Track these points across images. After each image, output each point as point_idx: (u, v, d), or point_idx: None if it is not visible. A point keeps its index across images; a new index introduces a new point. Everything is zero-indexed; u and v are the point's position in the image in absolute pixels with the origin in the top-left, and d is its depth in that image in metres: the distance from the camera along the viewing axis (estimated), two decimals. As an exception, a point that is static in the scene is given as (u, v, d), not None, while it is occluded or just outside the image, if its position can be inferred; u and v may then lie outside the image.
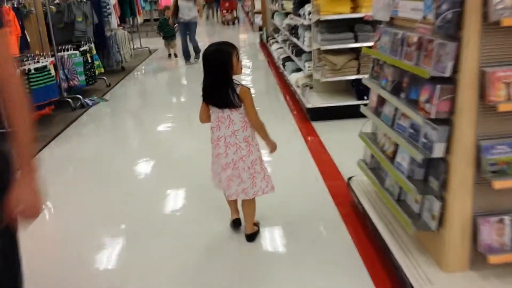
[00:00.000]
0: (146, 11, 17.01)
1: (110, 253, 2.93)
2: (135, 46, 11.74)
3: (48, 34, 6.26)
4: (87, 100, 6.61)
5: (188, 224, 3.23)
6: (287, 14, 8.28)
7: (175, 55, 10.63)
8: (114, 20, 8.91)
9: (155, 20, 17.24)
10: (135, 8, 11.37)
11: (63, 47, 6.63)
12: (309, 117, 5.30)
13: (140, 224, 3.27)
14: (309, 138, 4.85)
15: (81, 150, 5.02)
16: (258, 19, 15.36)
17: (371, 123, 2.97)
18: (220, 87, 2.58)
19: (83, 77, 6.79)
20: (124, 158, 4.69)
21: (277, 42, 9.51)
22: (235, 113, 2.62)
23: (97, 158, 4.75)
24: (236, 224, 2.98)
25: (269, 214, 3.16)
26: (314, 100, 5.35)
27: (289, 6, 7.80)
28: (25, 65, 5.40)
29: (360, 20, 5.19)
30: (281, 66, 7.69)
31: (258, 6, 15.09)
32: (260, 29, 14.99)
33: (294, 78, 6.25)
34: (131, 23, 12.16)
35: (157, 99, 7.33)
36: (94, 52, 7.42)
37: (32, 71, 5.40)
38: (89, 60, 7.10)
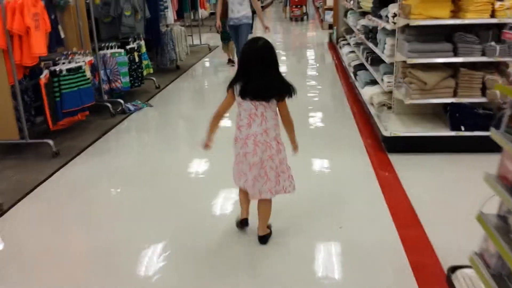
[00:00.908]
0: (211, 4, 16.31)
1: None
2: (194, 43, 11.05)
3: (90, 29, 5.58)
4: (129, 105, 5.89)
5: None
6: (363, 13, 7.14)
7: (233, 62, 8.86)
8: (170, 15, 8.18)
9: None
10: (197, 1, 10.64)
11: (107, 44, 5.93)
12: (385, 147, 4.20)
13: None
14: (383, 175, 3.78)
15: (109, 166, 4.24)
16: (328, 16, 14.18)
17: (499, 201, 1.89)
18: (272, 80, 2.57)
19: (127, 79, 6.08)
20: (165, 178, 3.91)
21: (348, 44, 8.38)
22: (268, 110, 2.61)
23: (129, 178, 3.95)
24: (243, 224, 2.96)
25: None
26: (393, 126, 4.23)
27: (367, 4, 6.65)
28: (56, 65, 4.72)
29: (461, 28, 4.03)
30: (352, 75, 6.58)
31: (330, 1, 13.91)
32: (330, 27, 13.82)
33: (368, 93, 5.15)
34: (193, 17, 11.44)
35: (212, 103, 6.48)
36: (144, 50, 6.70)
37: (64, 72, 4.70)
38: (136, 59, 6.38)
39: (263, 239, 2.84)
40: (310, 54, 10.57)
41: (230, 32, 7.32)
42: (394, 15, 4.42)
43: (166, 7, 8.02)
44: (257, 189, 2.68)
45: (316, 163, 4.10)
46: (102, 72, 5.79)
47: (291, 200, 2.99)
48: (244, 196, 2.89)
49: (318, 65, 9.24)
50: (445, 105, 4.14)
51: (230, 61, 8.95)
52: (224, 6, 7.19)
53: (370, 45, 5.63)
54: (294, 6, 17.70)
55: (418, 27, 4.01)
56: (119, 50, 5.98)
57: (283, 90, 2.60)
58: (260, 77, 2.55)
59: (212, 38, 13.71)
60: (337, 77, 7.64)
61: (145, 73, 6.74)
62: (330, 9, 13.91)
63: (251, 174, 2.66)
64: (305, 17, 18.09)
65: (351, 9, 8.24)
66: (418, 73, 4.03)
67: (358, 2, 6.93)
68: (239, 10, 6.90)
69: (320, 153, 4.28)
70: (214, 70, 9.11)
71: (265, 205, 2.80)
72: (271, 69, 2.59)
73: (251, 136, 2.63)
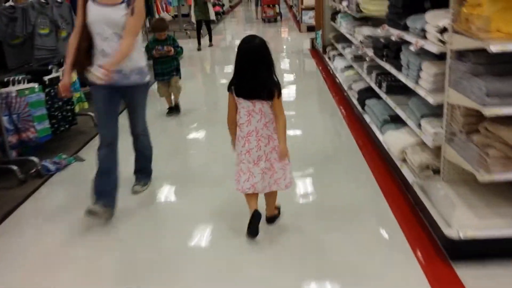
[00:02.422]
0: (174, 7, 14.51)
1: None
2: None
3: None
4: (47, 164, 4.09)
5: None
6: (364, 19, 5.53)
7: (176, 108, 5.72)
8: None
9: (184, 16, 14.73)
10: (152, 6, 8.83)
11: (12, 79, 4.13)
12: (448, 253, 2.57)
13: None
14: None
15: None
16: (306, 17, 12.62)
17: None
18: (266, 78, 2.63)
19: (45, 124, 4.28)
20: None
21: (341, 55, 6.76)
22: (266, 105, 2.66)
23: None
24: (256, 219, 2.75)
25: None
26: (459, 217, 2.57)
27: (372, 8, 5.05)
28: None
29: None
30: (357, 104, 4.94)
31: (307, 0, 12.32)
32: (309, 29, 12.23)
33: (396, 144, 3.50)
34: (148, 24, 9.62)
35: (180, 147, 4.72)
36: (75, 78, 4.91)
37: None
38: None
39: (271, 220, 2.95)
40: (290, 64, 8.92)
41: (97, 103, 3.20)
42: (443, 30, 2.80)
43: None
44: (266, 182, 2.74)
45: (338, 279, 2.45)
46: (5, 119, 3.99)
47: None
48: (252, 198, 2.82)
49: (302, 81, 7.57)
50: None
51: (170, 111, 5.69)
52: (82, 46, 3.07)
53: (387, 67, 4.00)
54: (266, 6, 16.03)
55: (496, 56, 2.39)
56: (30, 85, 4.18)
57: (275, 89, 2.64)
58: (254, 77, 2.63)
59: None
60: (332, 100, 5.98)
61: (77, 109, 4.96)
62: (308, 8, 12.34)
63: (258, 168, 2.71)
64: (278, 18, 16.45)
65: (342, 11, 6.61)
66: (501, 130, 2.41)
67: (357, 4, 5.30)
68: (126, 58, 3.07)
69: (343, 257, 2.63)
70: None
71: (271, 194, 2.86)
72: (267, 69, 2.65)
73: (253, 132, 2.69)
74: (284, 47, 11.31)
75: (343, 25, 6.43)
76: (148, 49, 5.21)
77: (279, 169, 2.73)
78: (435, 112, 3.11)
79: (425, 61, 3.18)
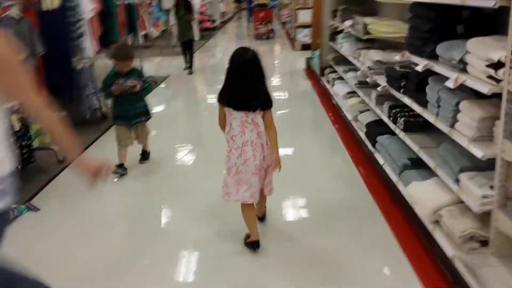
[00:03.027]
0: (162, 21, 13.85)
1: None
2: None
3: None
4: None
5: None
6: (370, 41, 4.91)
7: (144, 156, 4.50)
8: (89, 45, 5.69)
9: (172, 33, 14.03)
10: (135, 22, 8.13)
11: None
12: None
13: None
14: None
15: None
16: (301, 35, 12.02)
17: None
18: (259, 90, 2.66)
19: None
20: None
21: (341, 79, 6.11)
22: (258, 116, 2.68)
23: None
24: (255, 246, 2.86)
25: None
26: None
27: (381, 29, 4.42)
28: None
29: None
30: (366, 139, 4.24)
31: (303, 17, 11.74)
32: (304, 48, 11.62)
33: (426, 202, 2.77)
34: (130, 42, 8.88)
35: (163, 186, 3.97)
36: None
37: None
38: (17, 126, 3.87)
39: (263, 218, 3.20)
40: (284, 86, 8.24)
41: None
42: (497, 65, 2.13)
43: (81, 34, 5.53)
44: (268, 188, 2.84)
45: None
46: None
47: None
48: (251, 212, 2.86)
49: (298, 107, 6.86)
50: None
51: (123, 168, 4.20)
52: None
53: (407, 100, 3.32)
54: (258, 23, 15.42)
55: None
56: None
57: (266, 102, 2.68)
58: (248, 89, 2.63)
59: (163, 66, 11.27)
60: (333, 131, 5.27)
61: (36, 144, 4.22)
62: (303, 26, 11.76)
63: (256, 177, 2.73)
64: (271, 35, 15.85)
65: (345, 31, 5.98)
66: None
67: (365, 26, 4.65)
68: None
69: None
70: (165, 115, 6.54)
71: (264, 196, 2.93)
72: (258, 81, 2.66)
73: (248, 142, 2.69)
74: (277, 66, 10.66)
75: (345, 47, 5.78)
76: (106, 84, 4.02)
77: (270, 174, 2.82)
78: (479, 165, 2.43)
79: (464, 100, 2.50)
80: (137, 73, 4.12)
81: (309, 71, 9.04)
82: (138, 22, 8.47)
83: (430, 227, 2.66)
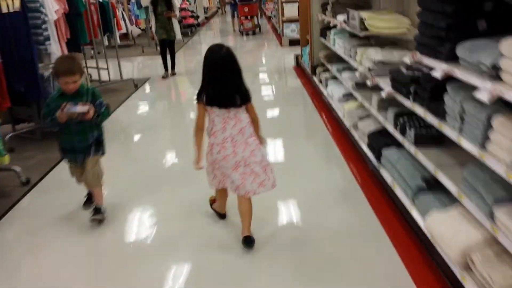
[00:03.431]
0: (142, 19, 13.25)
1: None
2: (112, 78, 7.93)
3: None
4: None
5: None
6: (366, 37, 4.44)
7: (96, 213, 3.24)
8: (56, 49, 5.12)
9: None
10: (110, 21, 7.54)
11: None
12: None
13: None
14: None
15: None
16: (288, 30, 11.51)
17: None
18: (239, 85, 2.69)
19: None
20: None
21: (335, 79, 5.62)
22: (241, 111, 2.72)
23: None
24: (222, 217, 3.13)
25: None
26: None
27: (380, 24, 3.95)
28: None
29: None
30: (366, 150, 3.76)
31: (289, 11, 11.23)
32: (292, 43, 11.13)
33: (452, 240, 2.25)
34: (107, 43, 8.29)
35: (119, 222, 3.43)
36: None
37: None
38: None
39: (251, 242, 2.79)
40: (273, 86, 7.73)
41: None
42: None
43: (47, 38, 4.96)
44: (249, 186, 2.74)
45: None
46: None
47: None
48: (222, 192, 3.02)
49: (288, 109, 6.36)
50: None
51: (86, 204, 3.49)
52: None
53: (418, 110, 2.83)
54: (243, 18, 14.87)
55: None
56: None
57: (247, 95, 2.72)
58: (224, 85, 2.65)
59: (146, 66, 10.68)
60: (329, 139, 4.77)
61: (-8, 167, 3.67)
62: (290, 21, 11.25)
63: (237, 173, 2.73)
64: (257, 30, 15.32)
65: (337, 27, 5.48)
66: None
67: (362, 20, 4.14)
68: None
69: None
70: (144, 123, 6.00)
71: (248, 204, 2.82)
72: (237, 76, 2.68)
73: (228, 138, 2.71)
74: (265, 64, 10.15)
75: (338, 44, 5.28)
76: (49, 109, 3.01)
77: (261, 172, 2.77)
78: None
79: (498, 115, 2.02)
80: (90, 93, 3.10)
81: (299, 69, 8.54)
82: (114, 21, 7.88)
83: (458, 273, 2.17)
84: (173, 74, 8.79)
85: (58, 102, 2.97)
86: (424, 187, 2.78)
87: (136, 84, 7.93)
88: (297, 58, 8.79)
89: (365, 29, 4.14)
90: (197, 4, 19.00)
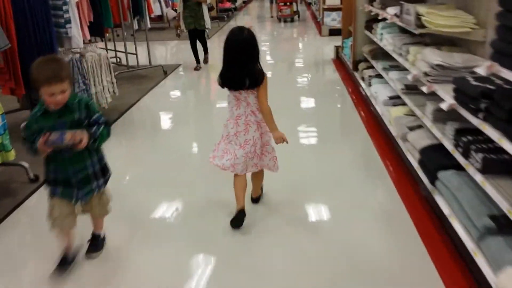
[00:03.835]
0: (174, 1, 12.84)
1: None
2: (141, 63, 7.59)
3: None
4: None
5: None
6: (419, 36, 3.87)
7: (95, 243, 2.69)
8: (77, 33, 4.75)
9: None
10: (141, 4, 7.15)
11: None
12: None
13: None
14: None
15: None
16: (329, 19, 10.90)
17: None
18: (251, 69, 2.71)
19: None
20: None
21: (379, 77, 5.06)
22: (251, 95, 2.77)
23: None
24: (240, 217, 2.85)
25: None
26: None
27: (441, 21, 3.40)
28: None
29: None
30: (417, 168, 3.22)
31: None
32: (332, 33, 10.52)
33: None
34: (137, 26, 7.92)
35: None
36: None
37: None
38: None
39: (256, 200, 3.16)
40: (309, 80, 7.19)
41: None
42: None
43: (68, 20, 4.60)
44: (245, 164, 2.84)
45: None
46: None
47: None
48: (240, 182, 2.89)
49: (325, 108, 5.79)
50: None
51: (69, 261, 2.54)
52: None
53: (490, 132, 2.30)
54: (282, 4, 14.28)
55: None
56: None
57: (257, 78, 2.71)
58: (239, 68, 2.69)
59: (178, 51, 10.31)
60: (371, 146, 4.23)
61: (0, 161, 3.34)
62: (331, 9, 10.63)
63: (243, 151, 2.80)
64: (295, 17, 14.71)
65: (387, 20, 4.90)
66: None
67: (418, 16, 3.58)
68: None
69: None
70: (173, 114, 5.61)
71: (258, 174, 3.03)
72: (250, 62, 2.71)
73: (242, 116, 2.80)
74: (301, 54, 9.58)
75: (386, 39, 4.71)
76: (30, 134, 2.29)
77: (260, 153, 2.87)
78: None
79: None
80: (83, 107, 2.32)
81: (338, 62, 7.96)
82: (145, 4, 7.47)
83: None
84: (206, 62, 8.23)
85: (41, 124, 2.26)
86: (494, 227, 2.25)
87: (166, 71, 7.55)
88: (337, 49, 8.20)
89: (422, 26, 3.57)
90: (235, -13, 18.46)
